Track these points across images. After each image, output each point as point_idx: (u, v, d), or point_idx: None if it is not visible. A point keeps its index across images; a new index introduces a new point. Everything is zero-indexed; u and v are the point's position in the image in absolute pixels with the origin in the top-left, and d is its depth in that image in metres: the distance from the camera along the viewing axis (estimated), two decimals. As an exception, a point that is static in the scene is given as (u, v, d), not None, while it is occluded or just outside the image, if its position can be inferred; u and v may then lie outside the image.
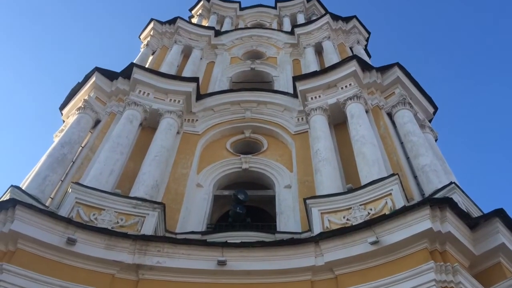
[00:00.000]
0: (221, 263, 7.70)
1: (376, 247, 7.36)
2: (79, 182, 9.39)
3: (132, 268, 7.67)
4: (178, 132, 12.19)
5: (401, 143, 11.10)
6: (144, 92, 12.59)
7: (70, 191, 8.93)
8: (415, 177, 10.02)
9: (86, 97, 12.36)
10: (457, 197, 8.47)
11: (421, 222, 7.28)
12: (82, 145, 11.29)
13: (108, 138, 11.20)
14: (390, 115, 12.18)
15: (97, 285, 7.29)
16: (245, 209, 10.30)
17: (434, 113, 13.36)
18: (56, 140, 11.31)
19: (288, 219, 10.04)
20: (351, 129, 11.06)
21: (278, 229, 9.76)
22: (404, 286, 6.81)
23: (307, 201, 9.04)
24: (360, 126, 10.85)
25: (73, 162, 10.73)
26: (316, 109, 12.01)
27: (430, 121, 13.26)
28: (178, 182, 10.90)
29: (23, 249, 7.36)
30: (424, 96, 13.20)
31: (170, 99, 12.64)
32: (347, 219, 8.42)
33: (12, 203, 7.68)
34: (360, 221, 8.14)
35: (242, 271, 7.70)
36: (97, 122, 12.17)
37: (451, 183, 9.14)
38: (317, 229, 8.36)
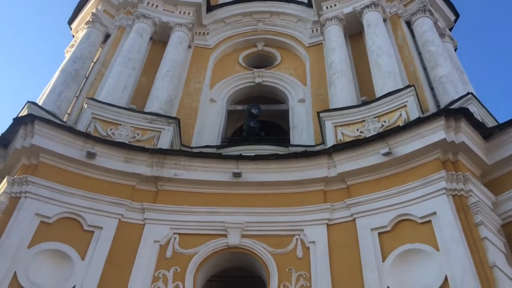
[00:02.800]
0: (236, 175, 7.92)
1: (388, 158, 7.45)
2: (94, 98, 9.48)
3: (151, 180, 7.97)
4: (189, 46, 11.96)
5: (419, 53, 10.77)
6: (153, 4, 12.17)
7: (86, 106, 9.05)
8: (432, 88, 9.86)
9: (94, 10, 12.01)
10: (473, 108, 8.38)
11: (435, 133, 7.27)
12: (94, 60, 11.20)
13: (119, 53, 11.06)
14: (408, 24, 11.68)
15: (119, 195, 7.64)
16: (259, 123, 10.38)
17: (455, 20, 12.77)
18: (68, 55, 11.22)
19: (301, 133, 10.13)
20: (367, 39, 10.69)
21: (291, 143, 9.91)
22: (414, 194, 6.99)
23: (321, 114, 9.05)
24: (377, 36, 10.47)
25: (86, 78, 10.72)
26: (331, 19, 11.53)
27: (450, 29, 12.72)
28: (191, 97, 10.92)
29: (45, 162, 7.65)
30: (445, 2, 12.53)
31: (180, 11, 12.23)
32: (361, 132, 8.46)
33: (30, 118, 7.85)
34: (373, 133, 8.17)
35: (256, 182, 7.95)
36: (107, 36, 11.93)
37: (468, 93, 9.00)
38: (330, 142, 8.45)
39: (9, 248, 6.53)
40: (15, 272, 6.40)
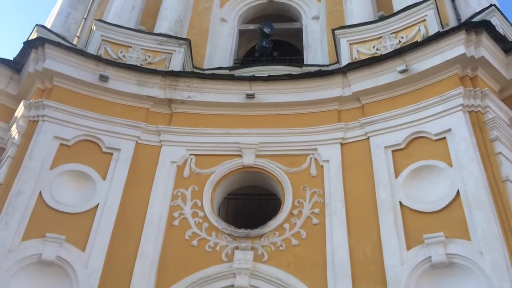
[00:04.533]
0: (250, 96, 7.89)
1: (405, 75, 7.28)
2: (102, 19, 9.25)
3: (165, 102, 8.00)
4: (197, -38, 11.36)
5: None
6: None
7: (94, 28, 8.87)
8: (453, 0, 9.37)
9: None
10: (495, 21, 8.05)
11: (455, 47, 7.03)
12: (99, -21, 10.79)
13: (124, -30, 10.57)
14: None
15: (134, 118, 7.72)
16: (271, 43, 10.11)
17: None
18: (72, -25, 10.79)
19: (315, 52, 9.89)
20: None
21: (305, 62, 9.71)
22: (430, 112, 6.92)
23: (336, 31, 8.75)
24: None
25: (93, -1, 10.42)
26: None
27: None
28: (201, 17, 10.61)
29: (59, 86, 7.65)
30: None
31: None
32: (377, 49, 8.20)
33: (40, 42, 7.75)
34: (390, 50, 7.92)
35: (270, 103, 7.92)
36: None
37: (490, 5, 8.59)
38: (345, 61, 8.25)
39: (32, 169, 6.77)
40: (40, 192, 6.68)
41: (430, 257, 5.85)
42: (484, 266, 5.51)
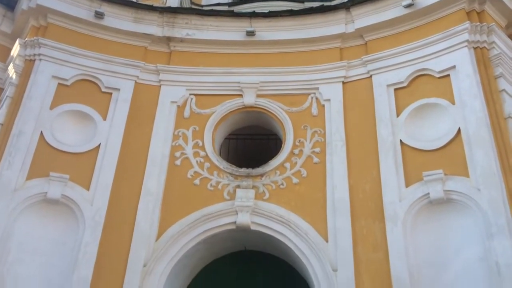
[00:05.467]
0: (250, 33, 7.71)
1: (410, 10, 7.07)
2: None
3: (163, 40, 7.82)
4: None
5: None
6: None
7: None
8: None
9: None
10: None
11: (464, -20, 6.76)
12: None
13: None
14: None
15: (132, 57, 7.58)
16: (272, -23, 9.71)
17: None
18: None
19: (318, -13, 9.51)
20: None
21: (307, -2, 9.39)
22: (434, 48, 6.78)
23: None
24: None
25: None
26: None
27: None
28: (197, -51, 10.11)
29: (54, 23, 7.44)
30: None
31: None
32: (382, -18, 7.86)
33: (30, -27, 7.44)
34: (396, -18, 7.59)
35: (270, 41, 7.75)
36: None
37: None
38: (347, -4, 7.95)
39: (32, 109, 6.73)
40: (41, 132, 6.69)
41: (429, 193, 5.96)
42: (481, 202, 5.62)
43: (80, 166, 6.64)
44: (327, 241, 6.20)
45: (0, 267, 5.82)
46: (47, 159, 6.56)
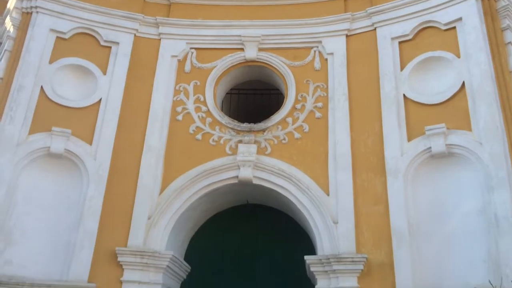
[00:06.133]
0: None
1: (418, -41, 6.82)
2: None
3: (162, -8, 7.62)
4: None
5: None
6: None
7: None
8: None
9: None
10: None
11: None
12: None
13: None
14: None
15: (130, 9, 7.42)
16: None
17: None
18: None
19: None
20: None
21: None
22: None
23: None
24: None
25: None
26: None
27: None
28: None
29: (50, -26, 7.23)
30: None
31: None
32: None
33: None
34: None
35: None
36: None
37: None
38: None
39: (31, 63, 6.66)
40: (41, 86, 6.64)
41: (430, 147, 5.98)
42: (482, 156, 5.65)
43: (82, 121, 6.64)
44: (328, 195, 6.29)
45: (7, 220, 5.94)
46: (48, 114, 6.55)
